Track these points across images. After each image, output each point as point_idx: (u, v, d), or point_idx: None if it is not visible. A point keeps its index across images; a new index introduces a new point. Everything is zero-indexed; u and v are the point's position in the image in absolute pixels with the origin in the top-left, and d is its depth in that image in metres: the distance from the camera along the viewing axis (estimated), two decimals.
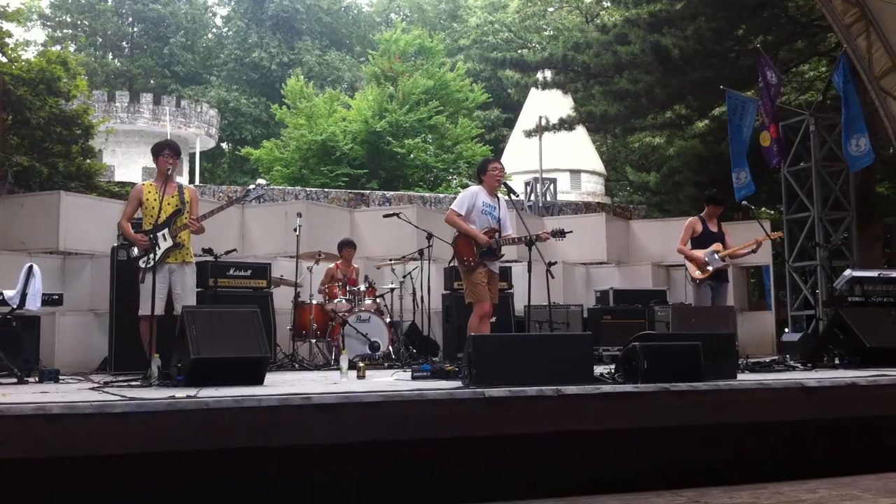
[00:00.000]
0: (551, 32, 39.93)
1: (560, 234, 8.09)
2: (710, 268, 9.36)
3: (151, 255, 7.17)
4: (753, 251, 9.65)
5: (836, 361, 7.79)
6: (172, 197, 7.48)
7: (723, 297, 9.60)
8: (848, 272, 10.01)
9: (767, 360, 8.93)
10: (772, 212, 22.28)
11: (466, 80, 34.95)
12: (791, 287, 15.10)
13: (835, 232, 14.69)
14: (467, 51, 42.40)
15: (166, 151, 7.47)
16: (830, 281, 11.04)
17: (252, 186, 7.73)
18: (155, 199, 7.43)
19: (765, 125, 14.51)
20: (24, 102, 14.26)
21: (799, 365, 8.10)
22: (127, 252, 7.61)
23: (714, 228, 9.65)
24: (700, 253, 9.43)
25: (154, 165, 7.64)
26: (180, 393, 4.94)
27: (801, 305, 14.93)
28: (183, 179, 35.58)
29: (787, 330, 14.28)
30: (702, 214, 9.78)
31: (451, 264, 9.46)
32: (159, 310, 7.12)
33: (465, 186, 28.36)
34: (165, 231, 7.36)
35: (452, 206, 7.94)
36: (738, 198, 14.11)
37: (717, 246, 9.49)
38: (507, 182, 8.15)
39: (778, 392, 5.69)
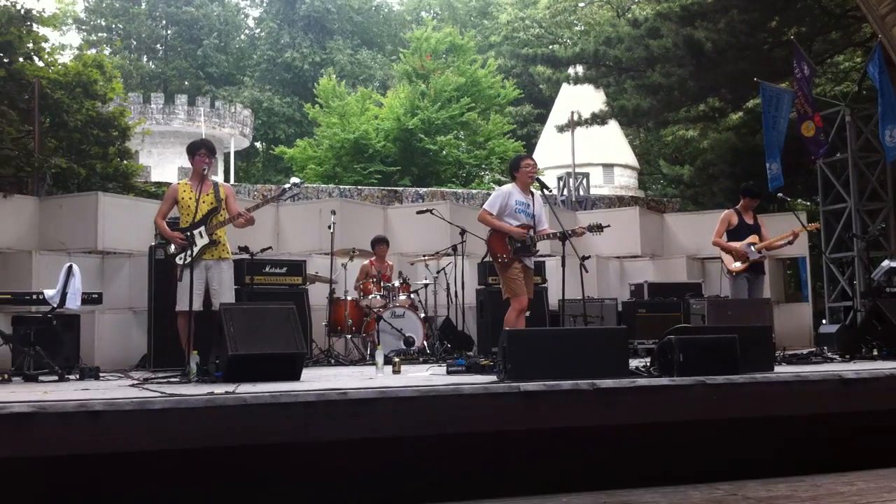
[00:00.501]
0: (582, 27, 39.81)
1: (597, 228, 7.92)
2: (748, 259, 9.31)
3: (188, 252, 7.27)
4: (790, 243, 9.57)
5: (875, 353, 7.71)
6: (208, 195, 7.51)
7: (759, 289, 9.54)
8: (886, 263, 9.91)
9: (805, 352, 8.87)
10: (808, 203, 22.03)
11: (498, 77, 34.92)
12: (828, 278, 14.97)
13: (872, 223, 14.52)
14: (498, 47, 42.32)
15: (202, 151, 7.52)
16: (868, 272, 10.91)
17: (287, 185, 7.75)
18: (191, 198, 7.48)
19: (807, 115, 14.35)
20: (61, 106, 14.42)
21: (837, 357, 8.02)
22: (164, 250, 7.68)
23: (750, 221, 9.58)
24: (737, 245, 9.38)
25: (189, 165, 7.70)
26: (219, 389, 5.00)
27: (839, 297, 14.79)
28: (218, 178, 35.84)
29: (824, 321, 14.14)
30: (737, 207, 9.72)
31: (486, 260, 9.48)
32: (197, 305, 7.19)
33: (497, 182, 28.51)
34: (202, 229, 7.42)
35: (485, 206, 7.96)
36: (770, 188, 14.03)
37: (753, 238, 9.43)
38: (540, 177, 8.12)
39: (816, 384, 5.65)
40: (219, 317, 6.29)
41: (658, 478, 5.02)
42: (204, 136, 35.20)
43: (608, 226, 8.09)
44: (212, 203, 7.53)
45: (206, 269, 7.46)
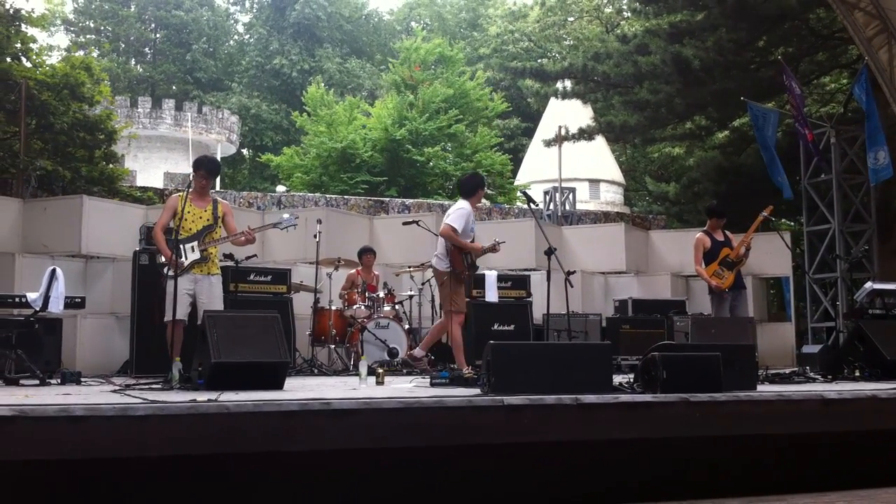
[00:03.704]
0: (571, 42, 39.98)
1: (490, 249, 8.58)
2: (724, 280, 9.46)
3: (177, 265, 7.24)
4: (760, 223, 9.65)
5: (857, 374, 7.74)
6: (205, 211, 7.64)
7: (743, 306, 9.63)
8: (868, 284, 9.97)
9: (787, 371, 8.91)
10: (792, 224, 22.20)
11: (486, 89, 34.99)
12: (811, 298, 15.05)
13: (855, 244, 14.63)
14: (487, 60, 42.46)
15: (200, 171, 7.65)
16: (851, 293, 11.00)
17: (285, 216, 7.86)
18: (188, 211, 7.56)
19: (802, 132, 14.57)
20: (47, 107, 14.37)
21: (819, 377, 8.07)
22: (152, 257, 7.69)
23: (720, 238, 9.84)
24: (711, 281, 9.51)
25: (173, 171, 7.72)
26: (201, 397, 4.98)
27: (822, 317, 14.87)
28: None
29: (807, 342, 14.21)
30: (705, 229, 9.89)
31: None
32: (183, 315, 7.19)
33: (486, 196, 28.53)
34: (195, 244, 7.46)
35: (450, 223, 8.32)
36: (786, 196, 14.36)
37: (725, 250, 9.59)
38: (527, 191, 8.33)
39: (798, 404, 5.67)
40: (202, 324, 6.27)
41: (638, 494, 5.02)
42: (190, 142, 35.34)
43: (503, 241, 8.72)
44: (208, 220, 7.63)
45: (194, 281, 7.49)
